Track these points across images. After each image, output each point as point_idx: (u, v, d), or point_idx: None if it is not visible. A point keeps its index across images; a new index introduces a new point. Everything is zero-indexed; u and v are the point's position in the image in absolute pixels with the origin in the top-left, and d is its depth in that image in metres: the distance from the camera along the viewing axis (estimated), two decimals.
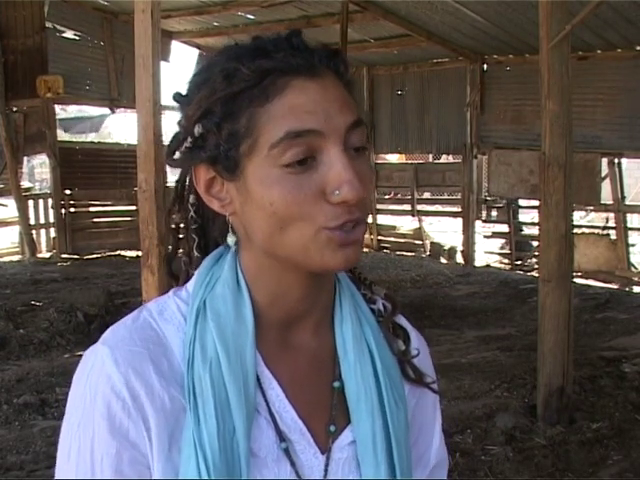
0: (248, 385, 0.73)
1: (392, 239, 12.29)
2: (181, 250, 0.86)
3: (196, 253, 0.83)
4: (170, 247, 0.87)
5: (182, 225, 0.84)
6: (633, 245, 10.68)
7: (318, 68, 0.73)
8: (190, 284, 0.81)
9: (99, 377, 0.73)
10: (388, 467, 0.79)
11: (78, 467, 0.73)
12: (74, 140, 13.95)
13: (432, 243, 12.03)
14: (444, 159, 13.66)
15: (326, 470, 0.78)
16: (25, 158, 12.44)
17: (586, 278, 9.55)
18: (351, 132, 0.73)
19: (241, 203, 0.75)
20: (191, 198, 0.82)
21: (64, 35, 11.01)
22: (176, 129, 0.79)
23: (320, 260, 0.73)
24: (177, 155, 0.78)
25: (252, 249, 0.78)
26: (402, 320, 0.90)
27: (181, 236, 0.86)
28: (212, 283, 0.78)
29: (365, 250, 11.03)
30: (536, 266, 9.62)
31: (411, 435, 0.84)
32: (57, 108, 12.03)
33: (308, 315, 0.81)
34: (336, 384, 0.81)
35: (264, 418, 0.76)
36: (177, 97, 0.78)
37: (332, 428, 0.79)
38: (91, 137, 16.60)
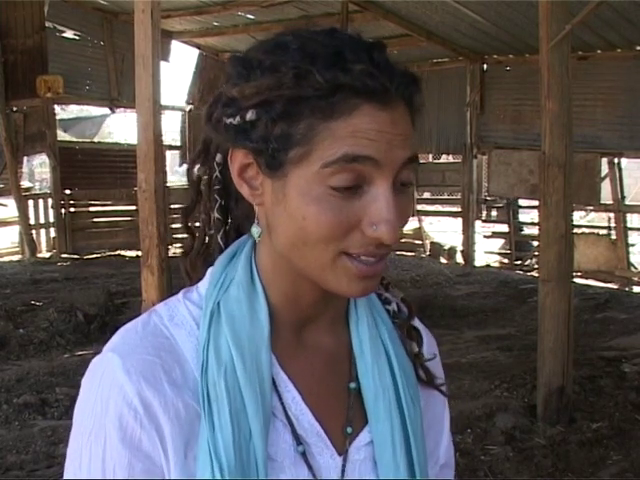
0: (264, 389, 0.72)
1: None
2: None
3: (217, 215, 0.80)
4: (190, 201, 0.83)
5: (203, 179, 0.81)
6: (633, 245, 10.69)
7: (392, 96, 0.69)
8: (202, 285, 0.79)
9: (111, 387, 0.71)
10: (407, 466, 0.78)
11: (90, 477, 0.72)
12: (74, 140, 13.95)
13: (432, 243, 12.03)
14: (444, 159, 13.66)
15: (343, 471, 0.77)
16: (25, 158, 12.45)
17: (586, 278, 9.55)
18: (404, 167, 0.71)
19: (272, 202, 0.72)
20: (218, 157, 0.78)
21: (64, 35, 11.03)
22: (222, 91, 0.73)
23: (336, 285, 0.72)
24: (215, 120, 0.74)
25: (271, 246, 0.76)
26: (416, 322, 0.89)
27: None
28: (226, 284, 0.76)
29: None
30: (536, 266, 9.62)
31: None
32: (57, 108, 12.03)
33: (322, 315, 0.80)
34: (352, 385, 0.80)
35: (280, 421, 0.74)
36: (237, 62, 0.73)
37: (349, 430, 0.78)
38: (91, 136, 16.58)
